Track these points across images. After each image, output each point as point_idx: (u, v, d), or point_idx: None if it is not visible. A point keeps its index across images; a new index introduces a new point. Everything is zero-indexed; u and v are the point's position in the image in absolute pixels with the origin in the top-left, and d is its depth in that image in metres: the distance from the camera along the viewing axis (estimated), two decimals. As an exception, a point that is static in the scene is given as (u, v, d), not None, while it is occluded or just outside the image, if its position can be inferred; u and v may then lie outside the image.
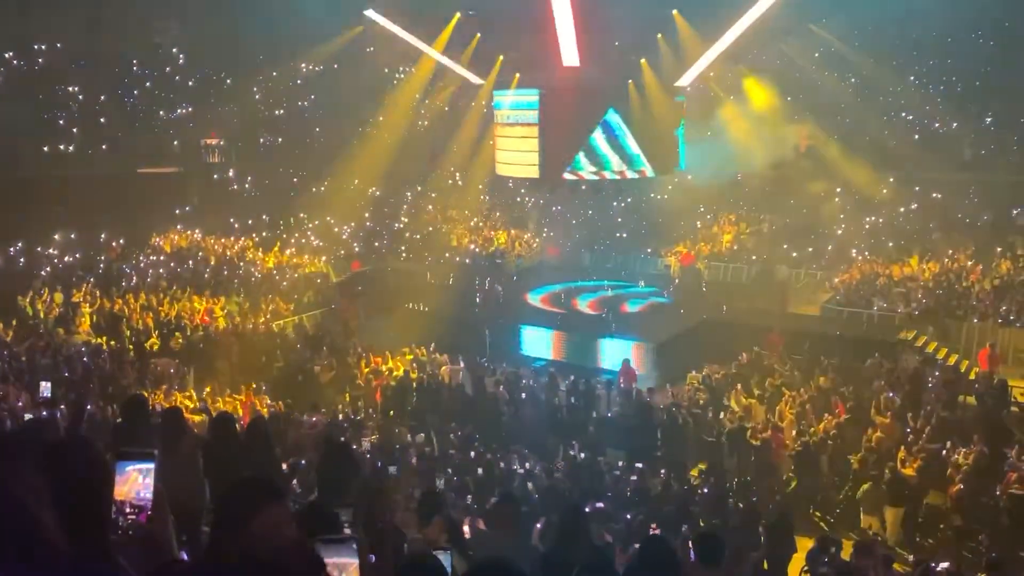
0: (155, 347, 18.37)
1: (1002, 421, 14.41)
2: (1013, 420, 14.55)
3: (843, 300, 23.96)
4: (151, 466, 2.36)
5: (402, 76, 32.66)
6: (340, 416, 15.44)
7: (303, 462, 10.28)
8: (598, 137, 23.76)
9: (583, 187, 25.49)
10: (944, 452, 13.18)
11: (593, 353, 21.32)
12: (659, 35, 23.79)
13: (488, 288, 25.26)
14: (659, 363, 20.79)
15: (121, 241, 26.08)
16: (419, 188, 35.42)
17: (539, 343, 22.41)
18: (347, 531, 4.34)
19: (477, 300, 25.38)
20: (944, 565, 9.19)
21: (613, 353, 20.66)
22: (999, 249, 25.49)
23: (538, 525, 6.91)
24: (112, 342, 18.09)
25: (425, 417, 16.28)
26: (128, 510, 2.30)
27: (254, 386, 16.82)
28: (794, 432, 14.89)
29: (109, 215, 25.65)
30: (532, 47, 24.26)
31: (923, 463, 12.97)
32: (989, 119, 28.29)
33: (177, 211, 29.86)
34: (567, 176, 24.60)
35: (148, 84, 30.37)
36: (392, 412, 16.76)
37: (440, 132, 33.27)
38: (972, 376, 17.93)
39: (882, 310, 22.97)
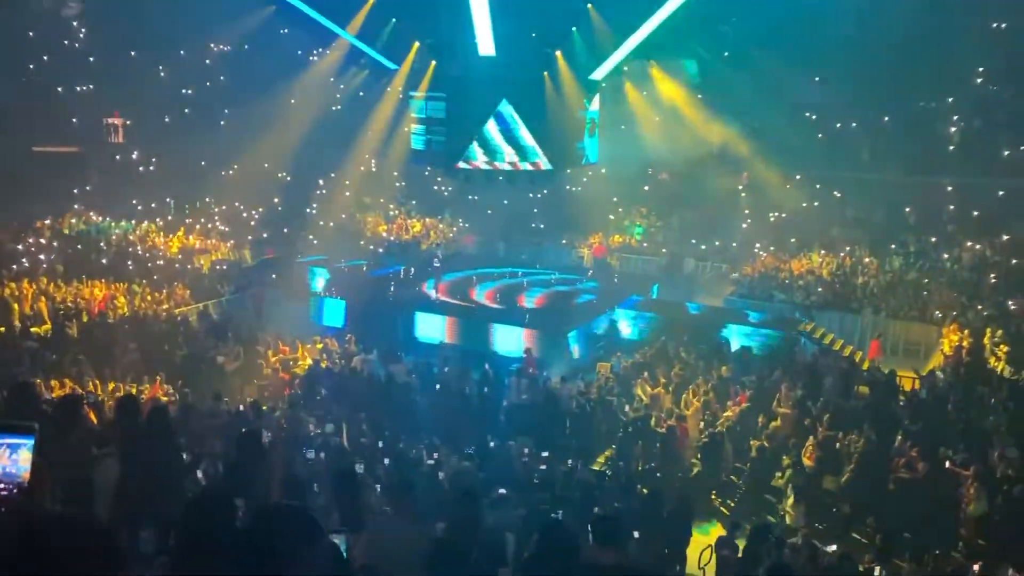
0: (48, 334, 17.60)
1: (890, 409, 15.15)
2: (900, 409, 15.29)
3: (746, 293, 24.80)
4: (29, 441, 2.27)
5: (315, 59, 31.99)
6: (243, 407, 15.10)
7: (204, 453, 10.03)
8: (491, 128, 23.95)
9: (500, 178, 25.50)
10: (837, 441, 13.78)
11: (504, 342, 21.44)
12: (574, 28, 23.94)
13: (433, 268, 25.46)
14: (570, 352, 21.13)
15: (22, 225, 24.81)
16: (332, 174, 34.83)
17: (436, 331, 22.52)
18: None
19: (391, 289, 25.30)
20: (832, 548, 9.65)
21: (527, 342, 20.85)
22: (892, 246, 26.75)
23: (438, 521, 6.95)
24: (2, 328, 17.26)
25: (334, 407, 16.10)
26: (2, 486, 2.20)
27: (158, 376, 16.33)
28: (700, 421, 15.34)
29: (1, 194, 24.33)
30: (447, 34, 24.09)
31: (820, 451, 13.55)
32: (887, 120, 29.56)
33: (76, 191, 28.58)
34: (461, 165, 24.76)
35: (46, 58, 28.90)
36: (300, 402, 16.49)
37: (354, 117, 32.73)
38: (865, 366, 18.77)
39: (782, 302, 23.86)
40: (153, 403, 13.13)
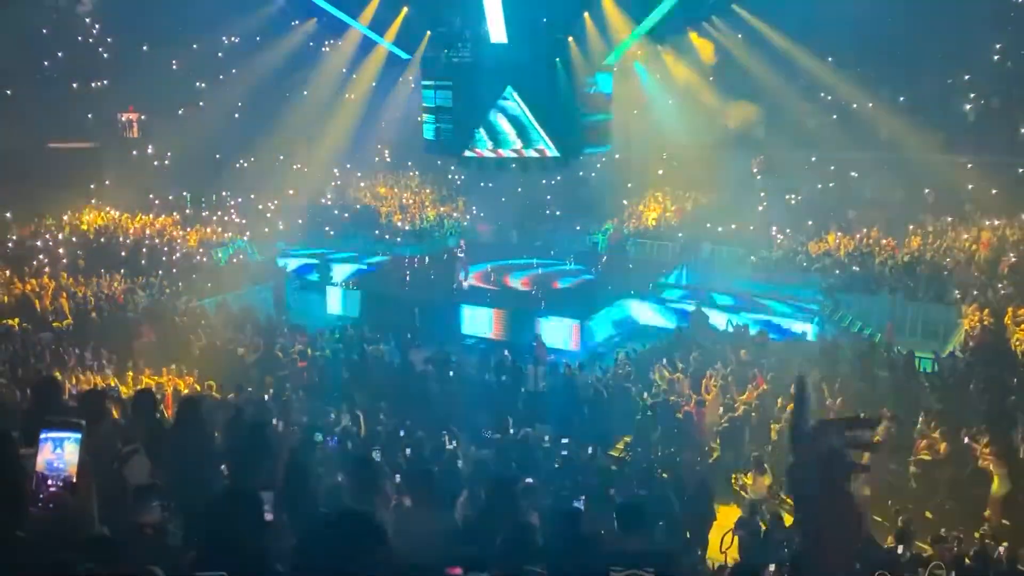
0: (69, 328, 17.75)
1: (911, 391, 15.07)
2: (921, 390, 15.21)
3: (764, 276, 24.70)
4: (77, 435, 2.27)
5: (327, 50, 31.99)
6: (266, 396, 15.21)
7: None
8: (497, 115, 23.94)
9: (513, 166, 25.46)
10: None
11: (529, 331, 21.32)
12: (585, 13, 23.80)
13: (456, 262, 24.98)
14: (588, 339, 21.13)
15: (40, 222, 25.01)
16: (347, 165, 34.90)
17: (476, 322, 22.35)
18: (268, 517, 4.30)
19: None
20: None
21: (548, 330, 20.84)
22: (911, 227, 26.53)
23: (460, 499, 6.96)
24: (24, 324, 17.42)
25: (353, 396, 16.17)
26: (49, 482, 2.21)
27: (179, 368, 16.47)
28: (719, 405, 15.29)
29: (17, 191, 24.51)
30: (460, 23, 24.04)
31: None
32: (902, 100, 29.28)
33: (92, 186, 28.77)
34: (468, 154, 24.73)
35: (60, 54, 29.05)
36: (318, 392, 16.58)
37: (367, 108, 32.75)
38: (883, 349, 18.65)
39: (801, 284, 23.74)
40: (183, 395, 13.26)
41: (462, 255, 24.32)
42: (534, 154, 24.19)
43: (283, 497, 5.74)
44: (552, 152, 24.07)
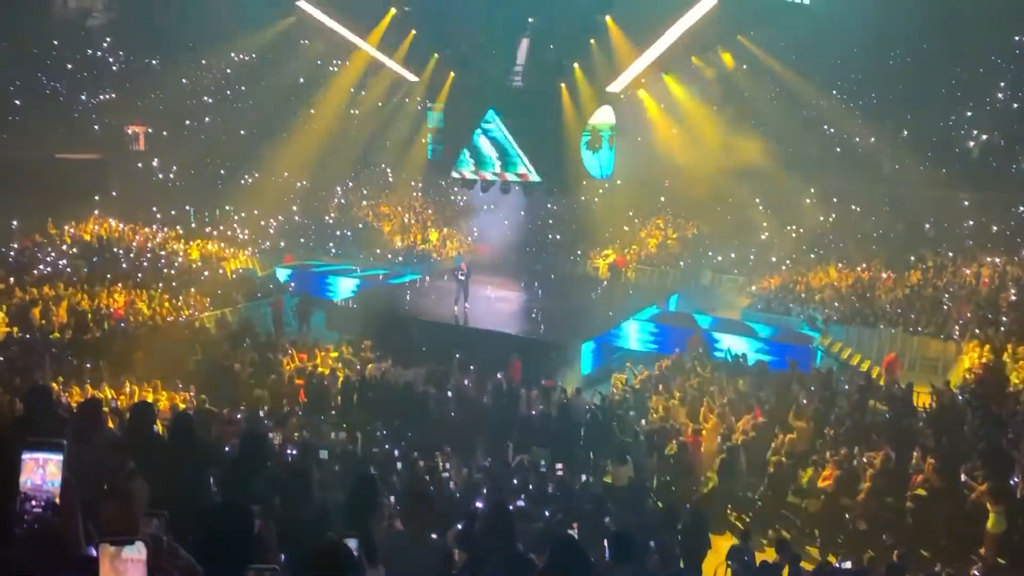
0: (69, 339, 17.75)
1: (908, 425, 15.03)
2: (918, 425, 15.17)
3: (763, 305, 24.70)
4: (59, 457, 2.26)
5: (335, 70, 32.26)
6: (261, 413, 15.18)
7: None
8: (480, 137, 24.20)
9: (515, 188, 25.61)
10: (854, 457, 13.69)
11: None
12: (592, 40, 24.03)
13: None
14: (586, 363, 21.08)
15: (43, 232, 25.08)
16: (350, 183, 35.05)
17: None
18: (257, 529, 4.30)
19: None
20: (847, 565, 9.58)
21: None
22: (912, 258, 26.58)
23: (458, 526, 6.93)
24: (24, 333, 17.44)
25: (350, 415, 16.15)
26: (32, 503, 2.20)
27: (175, 381, 16.46)
28: (717, 435, 15.23)
29: (24, 201, 24.60)
30: (467, 47, 24.31)
31: (838, 470, 13.44)
32: (905, 133, 29.47)
33: (97, 198, 28.88)
34: (453, 175, 25.04)
35: (70, 67, 29.30)
36: (316, 409, 16.54)
37: (373, 127, 32.97)
38: (882, 382, 18.63)
39: (799, 316, 23.75)
40: (174, 410, 13.25)
41: (462, 277, 23.36)
42: (515, 177, 24.39)
43: (281, 508, 5.73)
44: (534, 177, 24.27)
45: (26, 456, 2.23)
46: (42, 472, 2.22)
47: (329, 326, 24.14)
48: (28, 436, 2.31)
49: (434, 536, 6.20)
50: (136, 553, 2.20)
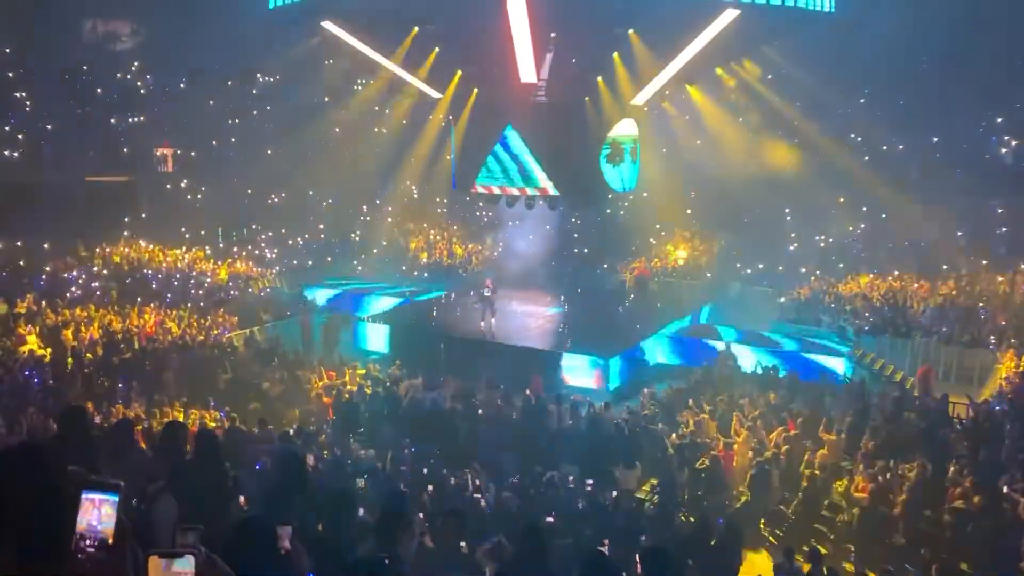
0: (100, 360, 17.94)
1: (944, 437, 14.74)
2: (954, 437, 14.88)
3: (793, 317, 24.43)
4: (115, 499, 2.28)
5: (359, 88, 32.51)
6: (291, 431, 15.20)
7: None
8: (501, 153, 24.38)
9: (539, 203, 25.60)
10: (888, 471, 13.45)
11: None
12: (615, 54, 24.02)
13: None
14: (614, 378, 20.95)
15: (74, 254, 25.46)
16: (376, 201, 35.24)
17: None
18: (286, 546, 4.27)
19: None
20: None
21: (573, 368, 20.76)
22: (945, 267, 26.17)
23: (488, 543, 6.86)
24: (56, 355, 17.65)
25: (378, 432, 16.14)
26: (87, 542, 2.21)
27: (205, 401, 16.58)
28: (749, 450, 15.04)
29: (55, 223, 24.99)
30: (490, 63, 24.40)
31: (873, 481, 13.21)
32: (935, 140, 29.10)
33: (127, 219, 29.28)
34: (478, 189, 25.18)
35: (100, 90, 29.81)
36: (345, 427, 16.55)
37: (397, 145, 33.16)
38: (916, 393, 18.31)
39: (829, 327, 23.46)
40: (201, 429, 13.30)
41: (488, 294, 22.91)
42: (535, 192, 24.43)
43: (324, 531, 5.71)
44: (552, 191, 24.32)
45: (85, 496, 2.24)
46: (98, 512, 2.24)
47: (357, 344, 24.23)
48: (64, 462, 2.33)
49: (464, 551, 6.15)
50: (186, 566, 2.22)
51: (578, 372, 20.78)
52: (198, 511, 5.78)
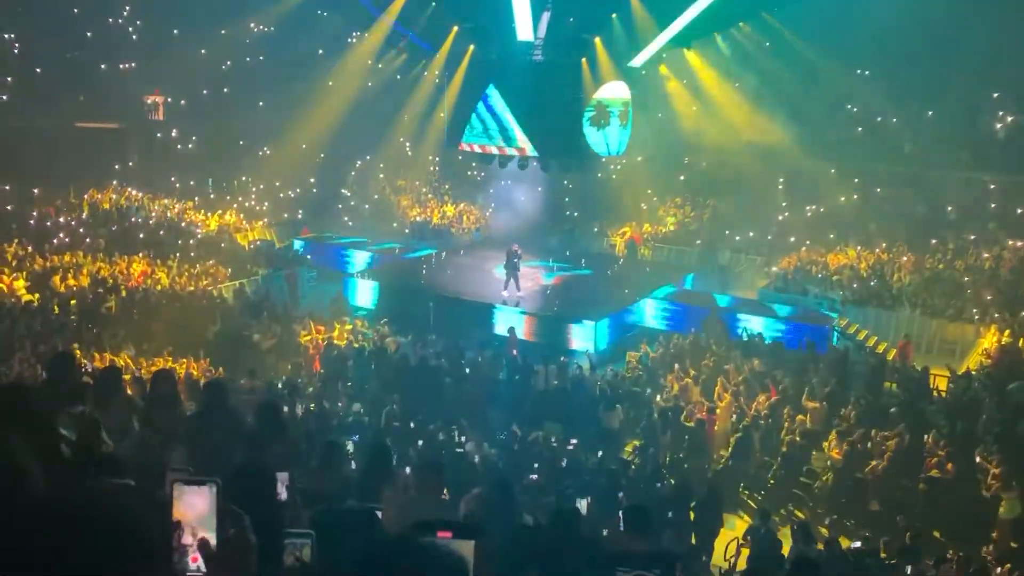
0: (88, 308, 17.90)
1: (922, 409, 14.99)
2: (933, 408, 15.13)
3: (781, 286, 24.58)
4: (213, 490, 2.25)
5: (353, 41, 32.09)
6: (279, 384, 15.31)
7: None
8: (482, 111, 24.27)
9: (533, 164, 25.48)
10: (869, 439, 13.68)
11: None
12: (614, 15, 23.76)
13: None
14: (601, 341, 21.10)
15: (64, 199, 25.23)
16: (368, 156, 35.01)
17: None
18: (283, 496, 4.34)
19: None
20: (856, 544, 9.60)
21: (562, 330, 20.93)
22: (934, 242, 26.31)
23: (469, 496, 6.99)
24: (43, 301, 17.59)
25: (366, 387, 16.27)
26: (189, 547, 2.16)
27: (193, 351, 16.61)
28: (731, 414, 15.25)
29: (43, 169, 24.71)
30: (486, 19, 24.11)
31: (848, 447, 13.47)
32: (930, 114, 29.08)
33: (116, 167, 28.98)
34: (464, 147, 25.13)
35: (90, 35, 29.27)
36: (333, 381, 16.65)
37: (391, 100, 32.84)
38: (896, 364, 18.54)
39: (816, 296, 23.65)
40: (211, 380, 13.35)
41: (516, 260, 22.10)
42: (514, 152, 24.33)
43: (312, 479, 5.80)
44: (531, 151, 24.21)
45: (178, 493, 2.22)
46: (197, 510, 2.21)
47: (345, 300, 24.23)
48: (54, 407, 2.29)
49: (445, 499, 6.28)
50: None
51: (567, 334, 20.91)
52: (209, 461, 5.84)
